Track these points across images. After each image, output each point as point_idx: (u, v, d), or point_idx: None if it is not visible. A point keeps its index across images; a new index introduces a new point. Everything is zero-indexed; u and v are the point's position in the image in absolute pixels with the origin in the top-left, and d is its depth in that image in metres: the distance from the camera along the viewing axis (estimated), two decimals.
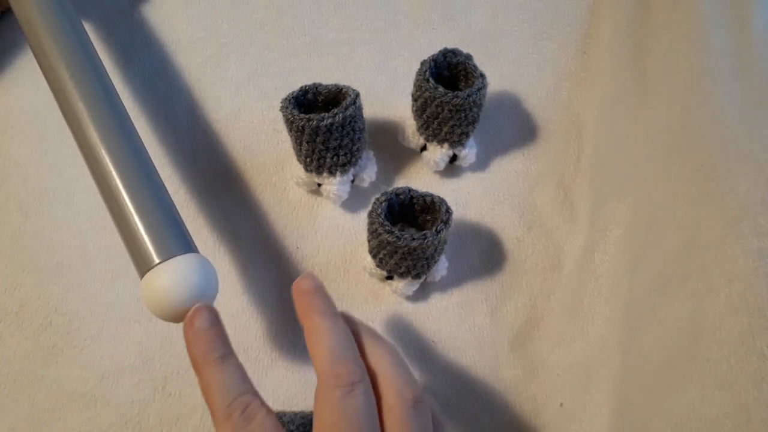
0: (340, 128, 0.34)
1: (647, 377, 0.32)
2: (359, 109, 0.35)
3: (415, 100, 0.37)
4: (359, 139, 0.36)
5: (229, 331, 0.36)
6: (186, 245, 0.30)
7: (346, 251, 0.38)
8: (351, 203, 0.39)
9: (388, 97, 0.42)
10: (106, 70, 0.34)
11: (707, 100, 0.35)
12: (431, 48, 0.38)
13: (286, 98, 0.35)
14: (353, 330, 0.28)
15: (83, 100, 0.32)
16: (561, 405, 0.35)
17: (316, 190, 0.39)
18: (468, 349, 0.36)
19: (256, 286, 0.37)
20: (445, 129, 0.36)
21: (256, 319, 0.37)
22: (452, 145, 0.37)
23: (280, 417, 0.33)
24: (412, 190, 0.35)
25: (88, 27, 0.38)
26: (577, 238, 0.38)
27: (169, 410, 0.35)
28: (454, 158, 0.39)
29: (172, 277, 0.28)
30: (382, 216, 0.33)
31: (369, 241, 0.35)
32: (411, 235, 0.32)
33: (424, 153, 0.39)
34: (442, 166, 0.39)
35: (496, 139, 0.41)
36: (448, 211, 0.33)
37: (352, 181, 0.38)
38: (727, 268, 0.30)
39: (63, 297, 0.36)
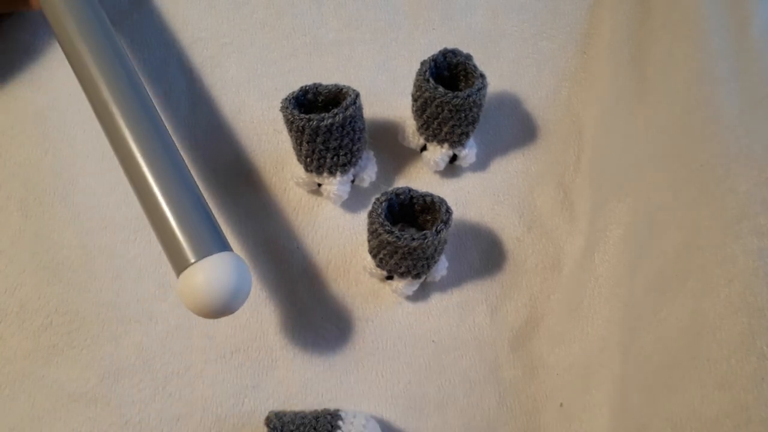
0: (340, 128, 0.34)
1: (647, 377, 0.32)
2: (359, 109, 0.35)
3: (415, 100, 0.37)
4: (359, 139, 0.36)
5: (229, 331, 0.37)
6: (221, 244, 0.30)
7: (346, 251, 0.38)
8: (351, 203, 0.39)
9: (388, 97, 0.42)
10: (135, 68, 0.35)
11: (707, 100, 0.35)
12: (431, 48, 0.38)
13: (286, 98, 0.35)
14: None
15: (116, 103, 0.32)
16: (561, 405, 0.35)
17: (316, 190, 0.39)
18: (468, 349, 0.36)
19: (256, 285, 0.37)
20: (445, 129, 0.36)
21: (256, 318, 0.37)
22: (452, 145, 0.37)
23: (280, 417, 0.33)
24: (412, 190, 0.35)
25: None
26: (577, 238, 0.38)
27: (169, 410, 0.35)
28: (454, 158, 0.39)
29: (208, 275, 0.29)
30: (382, 216, 0.33)
31: (369, 241, 0.35)
32: (411, 235, 0.32)
33: (424, 153, 0.39)
34: (442, 166, 0.39)
35: (496, 139, 0.41)
36: (448, 211, 0.33)
37: (352, 181, 0.38)
38: (727, 268, 0.30)
39: (63, 297, 0.36)
